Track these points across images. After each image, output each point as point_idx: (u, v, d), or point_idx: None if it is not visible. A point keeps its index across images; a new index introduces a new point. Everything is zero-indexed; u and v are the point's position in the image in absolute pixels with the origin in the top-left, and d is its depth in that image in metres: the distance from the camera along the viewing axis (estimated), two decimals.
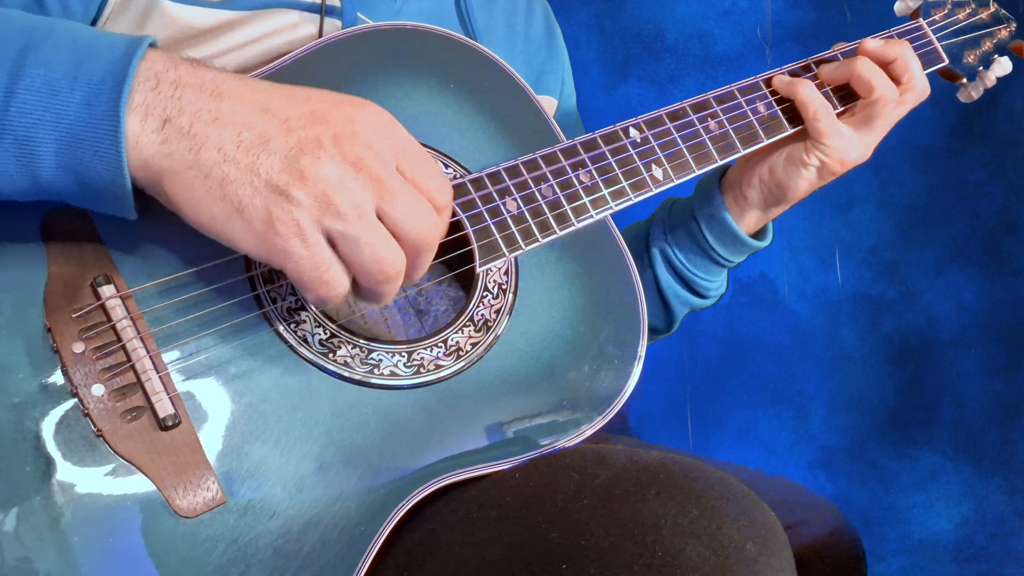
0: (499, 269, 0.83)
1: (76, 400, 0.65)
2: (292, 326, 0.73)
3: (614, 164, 0.86)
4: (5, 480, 0.62)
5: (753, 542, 0.65)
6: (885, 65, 0.98)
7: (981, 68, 1.11)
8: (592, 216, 0.84)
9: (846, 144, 0.97)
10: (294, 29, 0.86)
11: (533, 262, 0.84)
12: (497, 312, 0.81)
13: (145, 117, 0.61)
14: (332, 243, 0.63)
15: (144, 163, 0.61)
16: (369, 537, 0.70)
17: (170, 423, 0.66)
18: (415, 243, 0.65)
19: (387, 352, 0.76)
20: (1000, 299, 2.19)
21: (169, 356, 0.69)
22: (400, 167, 0.65)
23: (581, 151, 0.85)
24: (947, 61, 1.08)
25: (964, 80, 1.10)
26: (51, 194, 0.64)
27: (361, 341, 0.75)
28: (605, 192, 0.85)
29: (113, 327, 0.67)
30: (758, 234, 1.05)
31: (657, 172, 0.88)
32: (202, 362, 0.69)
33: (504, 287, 0.82)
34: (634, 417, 2.24)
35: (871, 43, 0.99)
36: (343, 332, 0.75)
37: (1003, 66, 1.09)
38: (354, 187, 0.62)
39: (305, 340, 0.73)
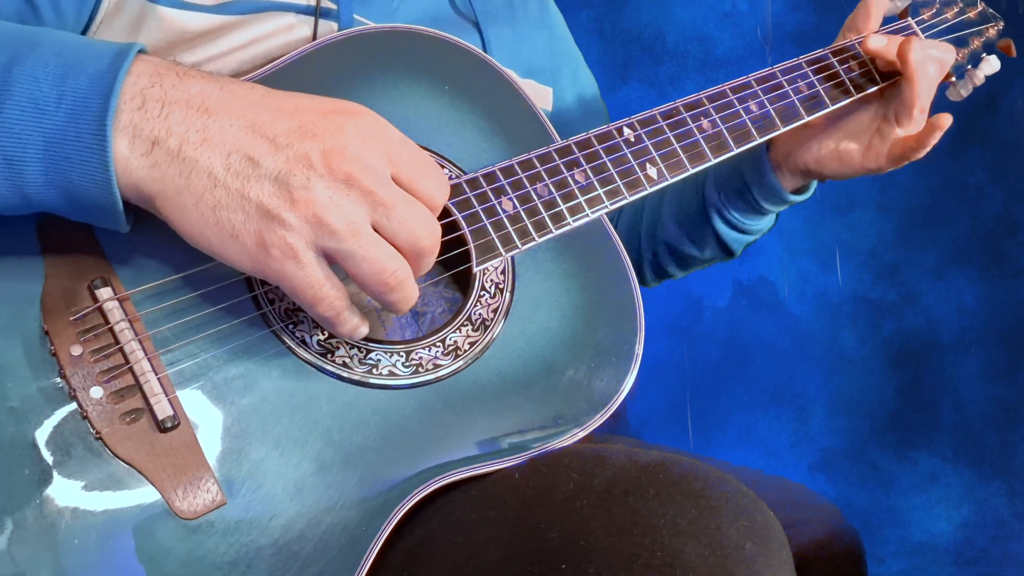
0: (496, 269, 0.83)
1: (75, 403, 0.65)
2: (290, 327, 0.73)
3: (609, 163, 0.86)
4: (4, 484, 0.62)
5: (752, 542, 0.65)
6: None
7: (970, 67, 1.11)
8: (588, 215, 0.84)
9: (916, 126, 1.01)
10: (290, 32, 0.86)
11: (529, 262, 0.84)
12: (494, 311, 0.81)
13: (133, 139, 0.61)
14: (332, 260, 0.64)
15: (135, 187, 0.62)
16: (370, 537, 0.70)
17: (169, 425, 0.66)
18: (414, 251, 0.66)
19: (385, 352, 0.76)
20: (1000, 301, 2.18)
21: (167, 358, 0.69)
22: (396, 172, 0.65)
23: (576, 150, 0.85)
24: None
25: (954, 79, 1.10)
26: (44, 209, 0.64)
27: (359, 342, 0.75)
28: (600, 191, 0.85)
29: (111, 329, 0.67)
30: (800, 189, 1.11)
31: (651, 171, 0.88)
32: (201, 364, 0.69)
33: (501, 286, 0.83)
34: (634, 419, 2.24)
35: (873, 43, 1.00)
36: None
37: (992, 65, 1.09)
38: (345, 204, 0.62)
39: (303, 341, 0.73)
